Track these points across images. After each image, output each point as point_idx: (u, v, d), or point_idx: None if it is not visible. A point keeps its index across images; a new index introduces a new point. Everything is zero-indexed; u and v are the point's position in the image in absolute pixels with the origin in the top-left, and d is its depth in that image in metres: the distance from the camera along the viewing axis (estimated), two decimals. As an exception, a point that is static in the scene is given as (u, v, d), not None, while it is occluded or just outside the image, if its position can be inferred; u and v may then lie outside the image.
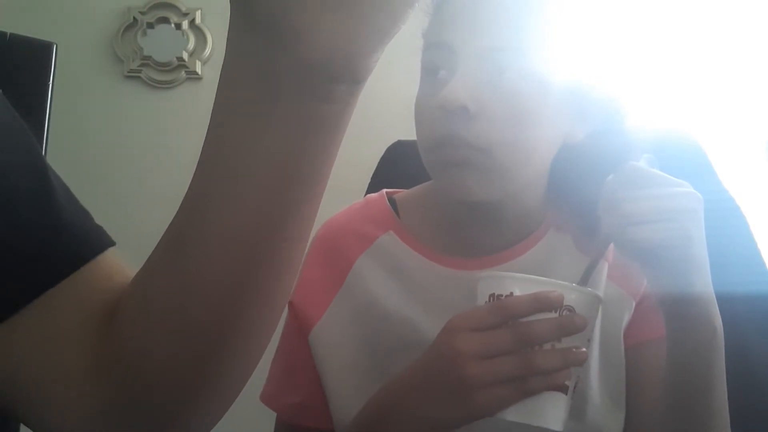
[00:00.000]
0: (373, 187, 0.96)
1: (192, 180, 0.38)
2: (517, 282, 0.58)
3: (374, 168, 1.00)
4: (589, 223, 0.70)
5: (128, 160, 1.54)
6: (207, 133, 0.37)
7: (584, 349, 0.58)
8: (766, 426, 0.86)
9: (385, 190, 0.83)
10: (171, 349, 0.40)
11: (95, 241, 0.46)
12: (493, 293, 0.59)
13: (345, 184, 1.02)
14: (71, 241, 0.44)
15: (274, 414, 0.79)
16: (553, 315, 0.57)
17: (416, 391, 0.62)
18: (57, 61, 0.83)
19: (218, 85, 0.35)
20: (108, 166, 1.51)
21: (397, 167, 0.99)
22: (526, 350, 0.56)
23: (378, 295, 0.75)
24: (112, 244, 0.47)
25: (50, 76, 0.82)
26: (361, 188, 0.96)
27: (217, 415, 0.45)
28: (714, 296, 0.62)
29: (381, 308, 0.74)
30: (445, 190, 0.72)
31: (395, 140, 1.01)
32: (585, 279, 0.63)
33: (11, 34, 0.80)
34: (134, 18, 1.60)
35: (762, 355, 0.89)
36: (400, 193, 0.83)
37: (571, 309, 0.57)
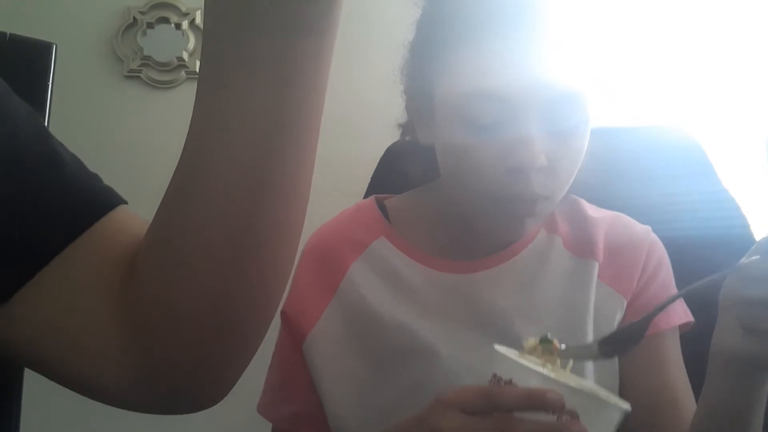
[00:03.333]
0: (372, 188, 0.96)
1: (189, 129, 0.39)
2: (519, 369, 0.53)
3: (374, 168, 1.00)
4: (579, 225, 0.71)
5: (128, 160, 1.54)
6: (199, 74, 0.38)
7: None
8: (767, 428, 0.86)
9: (374, 196, 0.83)
10: (192, 288, 0.40)
11: (105, 200, 0.47)
12: (496, 374, 0.54)
13: (345, 184, 1.02)
14: (83, 199, 0.45)
15: (270, 425, 0.78)
16: (550, 416, 0.50)
17: None
18: (57, 61, 0.83)
19: (203, 26, 0.37)
20: (108, 166, 1.50)
21: (396, 168, 0.99)
22: None
23: (372, 301, 0.74)
24: (123, 201, 0.48)
25: (50, 76, 0.82)
26: (361, 188, 0.97)
27: (242, 362, 0.45)
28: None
29: (375, 314, 0.74)
30: (495, 231, 0.71)
31: (395, 140, 1.01)
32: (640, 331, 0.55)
33: (11, 34, 0.80)
34: (134, 18, 1.60)
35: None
36: (391, 199, 0.83)
37: (573, 414, 0.50)
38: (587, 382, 0.56)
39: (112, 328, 0.43)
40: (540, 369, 0.53)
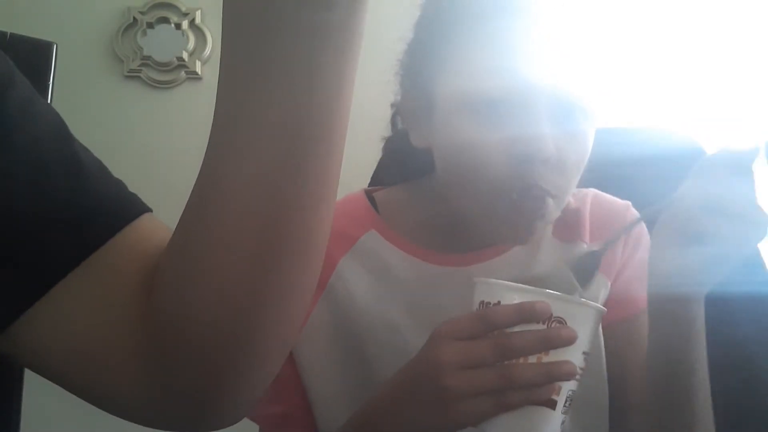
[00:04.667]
0: (374, 185, 0.95)
1: (210, 135, 0.38)
2: (505, 290, 0.56)
3: (374, 168, 1.00)
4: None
5: (128, 160, 1.54)
6: (218, 83, 0.36)
7: (573, 363, 0.55)
8: (767, 426, 0.86)
9: (363, 189, 0.82)
10: (211, 308, 0.40)
11: (130, 207, 0.46)
12: (483, 300, 0.57)
13: (345, 184, 1.01)
14: (107, 208, 0.44)
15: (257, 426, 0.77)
16: (540, 327, 0.54)
17: (400, 400, 0.61)
18: (57, 61, 0.83)
19: (222, 33, 0.35)
20: (108, 166, 1.51)
21: (396, 165, 0.98)
22: (507, 363, 0.54)
23: (361, 299, 0.73)
24: (148, 210, 0.47)
25: (50, 76, 0.82)
26: (361, 187, 0.96)
27: (262, 383, 0.45)
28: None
29: (365, 313, 0.72)
30: (502, 235, 0.70)
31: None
32: (602, 251, 0.62)
33: (11, 34, 0.80)
34: (134, 18, 1.60)
35: (762, 356, 0.89)
36: (380, 192, 0.81)
37: (561, 320, 0.54)
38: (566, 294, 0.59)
39: (131, 342, 0.42)
40: (522, 285, 0.56)
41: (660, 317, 0.65)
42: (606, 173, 0.70)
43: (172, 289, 0.41)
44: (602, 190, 0.81)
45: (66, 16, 1.57)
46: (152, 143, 1.57)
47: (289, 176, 0.37)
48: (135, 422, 0.45)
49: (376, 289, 0.73)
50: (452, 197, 0.72)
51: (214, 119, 0.37)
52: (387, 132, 0.86)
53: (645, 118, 1.39)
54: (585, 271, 0.63)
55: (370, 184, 0.97)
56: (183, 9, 1.62)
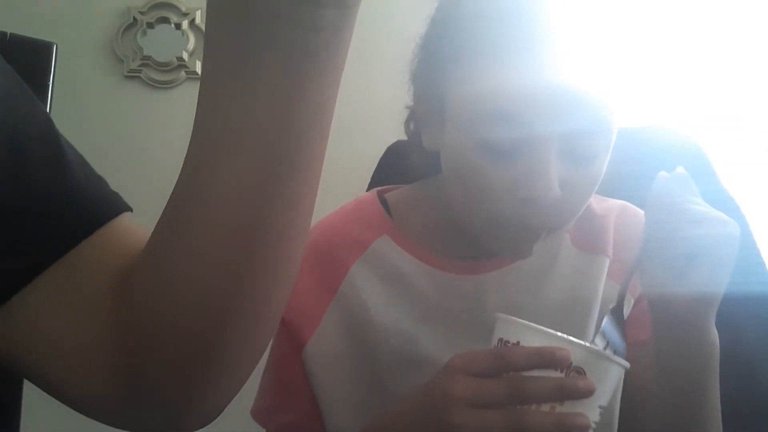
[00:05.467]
0: (373, 185, 0.95)
1: (189, 145, 0.37)
2: (526, 331, 0.54)
3: (374, 168, 1.00)
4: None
5: (128, 160, 1.54)
6: (199, 94, 0.36)
7: (587, 417, 0.52)
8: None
9: (376, 190, 0.80)
10: (181, 315, 0.40)
11: (109, 206, 0.46)
12: (502, 338, 0.55)
13: (345, 184, 1.01)
14: (85, 206, 0.44)
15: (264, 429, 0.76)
16: (558, 374, 0.52)
17: (407, 427, 0.60)
18: (57, 61, 0.83)
19: (204, 42, 0.35)
20: (108, 166, 1.50)
21: (398, 165, 0.99)
22: (519, 407, 0.52)
23: (373, 307, 0.72)
24: (128, 209, 0.47)
25: (50, 76, 0.82)
26: (361, 188, 0.96)
27: (231, 390, 0.44)
28: (713, 318, 0.61)
29: (376, 321, 0.71)
30: (500, 250, 0.69)
31: (395, 140, 1.01)
32: (620, 305, 0.60)
33: (11, 34, 0.80)
34: (134, 18, 1.60)
35: (763, 356, 0.89)
36: (392, 192, 0.79)
37: (580, 371, 0.52)
38: (590, 343, 0.57)
39: (102, 342, 0.42)
40: (544, 329, 0.54)
41: (666, 344, 0.63)
42: (605, 173, 0.70)
43: (144, 293, 0.41)
44: (602, 190, 0.80)
45: (66, 16, 1.57)
46: (152, 143, 1.57)
47: (265, 191, 0.37)
48: (106, 423, 0.45)
49: (388, 296, 0.72)
50: (455, 206, 0.70)
51: (193, 130, 0.37)
52: (388, 132, 0.85)
53: (645, 118, 1.38)
54: (615, 331, 0.61)
55: (370, 184, 0.97)
56: (183, 9, 1.62)
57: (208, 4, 0.34)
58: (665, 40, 1.44)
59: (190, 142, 0.37)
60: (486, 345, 0.70)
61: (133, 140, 1.57)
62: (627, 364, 0.55)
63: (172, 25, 1.62)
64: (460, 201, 0.68)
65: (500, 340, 0.55)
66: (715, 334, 0.62)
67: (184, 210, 0.39)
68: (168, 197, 0.40)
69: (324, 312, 0.72)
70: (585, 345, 0.53)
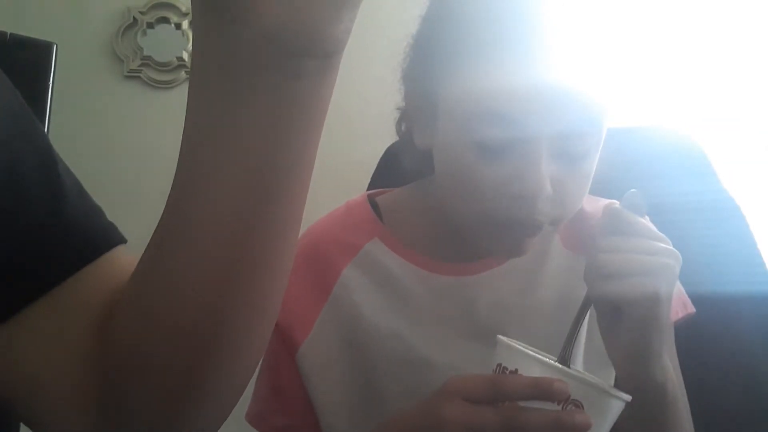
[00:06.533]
0: (372, 188, 0.95)
1: (173, 181, 0.38)
2: (524, 359, 0.53)
3: (374, 168, 1.00)
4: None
5: (128, 160, 1.54)
6: (183, 133, 0.36)
7: None
8: None
9: (367, 193, 0.80)
10: (163, 351, 0.39)
11: (102, 240, 0.45)
12: (500, 364, 0.54)
13: (345, 185, 1.01)
14: (76, 241, 0.44)
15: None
16: (555, 407, 0.51)
17: None
18: (57, 61, 0.83)
19: (189, 83, 0.35)
20: (108, 166, 1.51)
21: (396, 167, 0.99)
22: None
23: (365, 309, 0.72)
24: (121, 241, 0.47)
25: (50, 76, 0.82)
26: (361, 188, 0.96)
27: (220, 418, 0.44)
28: (667, 360, 0.60)
29: (369, 323, 0.71)
30: (493, 248, 0.69)
31: (395, 140, 1.01)
32: (573, 330, 0.58)
33: (11, 34, 0.80)
34: (134, 18, 1.60)
35: (763, 355, 0.89)
36: (383, 195, 0.80)
37: (578, 404, 0.51)
38: (590, 375, 0.56)
39: (86, 377, 0.42)
40: (545, 358, 0.53)
41: (629, 386, 0.61)
42: (605, 173, 0.70)
43: (126, 329, 0.41)
44: (601, 190, 0.80)
45: (66, 16, 1.57)
46: (152, 143, 1.56)
47: (248, 228, 0.37)
48: None
49: (380, 299, 0.72)
50: (447, 206, 0.70)
51: (176, 171, 0.37)
52: (387, 132, 0.85)
53: (644, 118, 1.38)
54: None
55: (369, 186, 0.97)
56: (183, 9, 1.62)
57: (193, 51, 0.34)
58: (664, 39, 1.44)
59: (173, 181, 0.37)
60: (477, 346, 0.70)
61: (133, 140, 1.57)
62: (628, 397, 0.54)
63: (172, 25, 1.62)
64: (453, 199, 0.68)
65: (499, 365, 0.55)
66: (665, 376, 0.61)
67: (163, 248, 0.39)
68: (166, 197, 0.40)
69: (317, 315, 0.73)
70: (585, 378, 0.52)
